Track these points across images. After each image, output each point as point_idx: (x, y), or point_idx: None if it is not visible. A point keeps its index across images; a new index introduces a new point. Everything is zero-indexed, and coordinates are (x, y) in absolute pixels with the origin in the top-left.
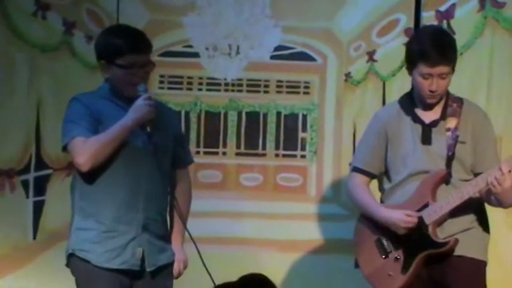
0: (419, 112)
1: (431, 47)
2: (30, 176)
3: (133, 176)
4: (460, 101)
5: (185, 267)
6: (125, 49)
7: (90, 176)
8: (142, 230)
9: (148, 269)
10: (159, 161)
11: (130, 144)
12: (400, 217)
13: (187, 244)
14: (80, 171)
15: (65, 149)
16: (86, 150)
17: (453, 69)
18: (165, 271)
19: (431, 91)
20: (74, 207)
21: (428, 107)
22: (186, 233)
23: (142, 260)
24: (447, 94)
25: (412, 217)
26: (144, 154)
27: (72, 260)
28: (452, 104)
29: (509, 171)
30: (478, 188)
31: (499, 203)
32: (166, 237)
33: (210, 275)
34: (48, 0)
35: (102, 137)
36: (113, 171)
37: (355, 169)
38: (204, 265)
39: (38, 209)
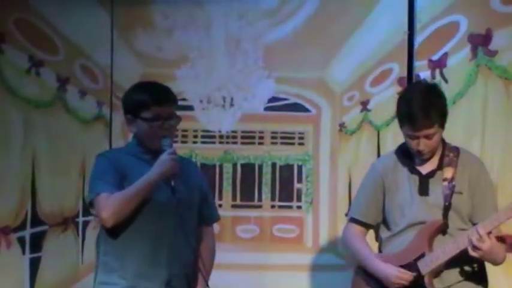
0: (416, 163)
1: (416, 110)
2: (26, 233)
3: (157, 232)
4: (456, 150)
5: None
6: (149, 102)
7: (115, 231)
8: (165, 286)
9: None
10: (183, 216)
11: (154, 199)
12: (395, 273)
13: None
14: (104, 227)
15: (91, 205)
16: (110, 205)
17: (442, 127)
18: None
19: (418, 151)
20: (98, 262)
21: (426, 159)
22: None
23: None
24: (443, 144)
25: (406, 275)
26: (168, 209)
27: None
28: (449, 153)
29: (489, 233)
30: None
31: (488, 262)
32: None
33: None
34: (41, 57)
35: (126, 192)
36: (137, 226)
37: (352, 219)
38: None
39: (34, 265)
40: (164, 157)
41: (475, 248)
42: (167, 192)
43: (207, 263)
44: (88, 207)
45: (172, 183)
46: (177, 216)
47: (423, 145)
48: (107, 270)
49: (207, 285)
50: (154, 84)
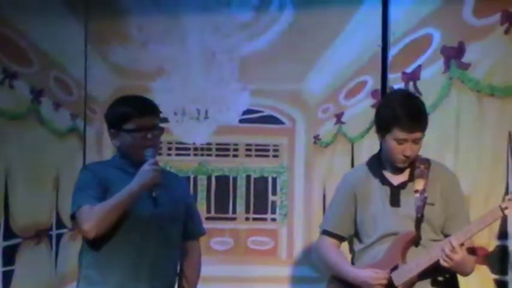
0: (388, 174)
1: (407, 112)
2: None
3: (139, 244)
4: (427, 162)
5: None
6: (131, 114)
7: (97, 243)
8: None
9: None
10: (166, 229)
11: (136, 211)
12: (370, 275)
13: None
14: (87, 240)
15: (73, 217)
16: (91, 217)
17: (424, 133)
18: None
19: (405, 156)
20: (80, 275)
21: (398, 171)
22: None
23: None
24: None
25: (382, 274)
26: (150, 222)
27: None
28: (420, 165)
29: (461, 245)
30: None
31: (457, 273)
32: None
33: None
34: (15, 69)
35: (107, 204)
36: (119, 238)
37: (325, 232)
38: None
39: (7, 278)
40: (145, 167)
41: (447, 258)
42: (149, 204)
43: (191, 279)
44: (70, 219)
45: (154, 194)
46: (160, 229)
47: (410, 150)
48: (88, 283)
49: None
50: (136, 97)
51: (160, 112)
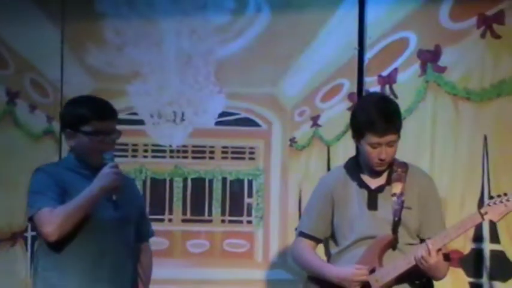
0: (365, 177)
1: (379, 116)
2: None
3: (99, 247)
4: (405, 166)
5: None
6: (90, 116)
7: (56, 246)
8: None
9: None
10: (125, 232)
11: (96, 214)
12: (352, 271)
13: None
14: (46, 242)
15: (30, 219)
16: (53, 220)
17: (399, 136)
18: None
19: (380, 159)
20: (36, 278)
21: (376, 174)
22: None
23: None
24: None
25: (362, 270)
26: (110, 225)
27: None
28: (397, 169)
29: (438, 250)
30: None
31: (430, 276)
32: None
33: None
34: None
35: (69, 207)
36: (78, 242)
37: (301, 234)
38: None
39: None
40: (106, 171)
41: (422, 260)
42: (109, 207)
43: (146, 279)
44: (27, 221)
45: (114, 197)
46: (119, 231)
47: (385, 154)
48: (47, 286)
49: None
50: (95, 99)
51: (135, 114)
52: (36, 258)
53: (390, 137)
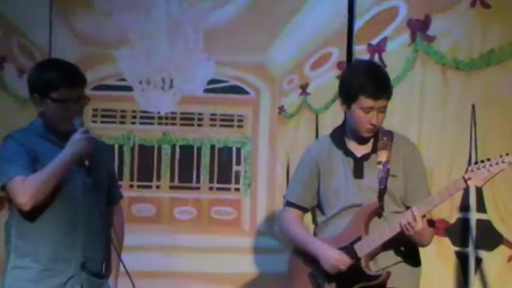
0: (351, 146)
1: (373, 80)
2: None
3: (71, 214)
4: (390, 134)
5: None
6: (59, 83)
7: (29, 215)
8: (81, 268)
9: None
10: (96, 197)
11: (68, 181)
12: (335, 257)
13: (123, 278)
14: (20, 210)
15: (3, 188)
16: (27, 189)
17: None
18: None
19: (372, 124)
20: (10, 246)
21: (363, 141)
22: (121, 268)
23: None
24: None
25: (346, 261)
26: (82, 191)
27: None
28: (382, 137)
29: (423, 217)
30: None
31: (415, 243)
32: (103, 274)
33: None
34: None
35: (42, 175)
36: (51, 209)
37: (288, 203)
38: None
39: None
40: (77, 136)
41: (408, 226)
42: (81, 173)
43: (120, 236)
44: (0, 191)
45: (87, 163)
46: (91, 196)
47: (376, 119)
48: (20, 254)
49: (121, 262)
50: (64, 64)
51: (124, 80)
52: (9, 226)
53: (383, 102)
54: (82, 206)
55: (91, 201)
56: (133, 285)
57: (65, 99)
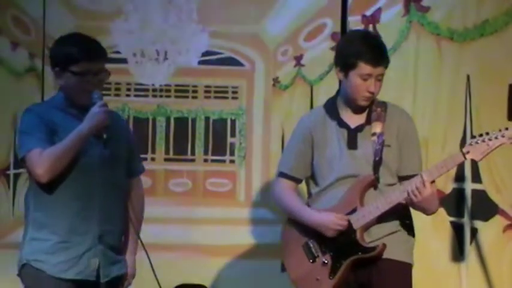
0: (345, 117)
1: (372, 47)
2: None
3: (88, 186)
4: (384, 105)
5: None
6: (79, 56)
7: (48, 186)
8: (98, 241)
9: (102, 280)
10: (114, 170)
11: (85, 154)
12: (331, 219)
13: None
14: (38, 182)
15: (22, 160)
16: (44, 161)
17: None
18: (117, 282)
19: (370, 92)
20: (28, 218)
21: (359, 110)
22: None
23: (98, 271)
24: None
25: (343, 220)
26: (99, 164)
27: (26, 270)
28: (376, 108)
29: (432, 182)
30: (405, 194)
31: (422, 211)
32: (120, 248)
33: (159, 283)
34: None
35: (59, 147)
36: (68, 181)
37: (281, 174)
38: (155, 276)
39: None
40: (95, 110)
41: (416, 192)
42: (98, 146)
43: (137, 215)
44: (19, 162)
45: (104, 136)
46: (109, 170)
47: (374, 86)
48: (37, 226)
49: (138, 237)
50: (85, 38)
51: (118, 52)
52: (27, 199)
53: (381, 69)
54: (99, 178)
55: (108, 174)
56: (150, 261)
57: (84, 72)
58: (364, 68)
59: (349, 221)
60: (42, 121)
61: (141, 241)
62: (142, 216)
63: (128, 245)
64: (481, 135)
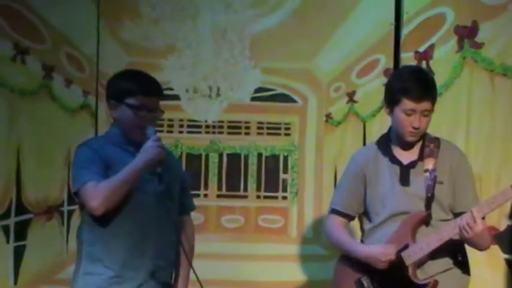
0: (397, 153)
1: (415, 83)
2: (11, 221)
3: (143, 222)
4: (437, 141)
5: None
6: (136, 89)
7: (102, 220)
8: (150, 276)
9: None
10: (168, 206)
11: (140, 189)
12: (380, 250)
13: None
14: (92, 216)
15: (76, 194)
16: (99, 194)
17: (433, 109)
18: None
19: (414, 128)
20: (82, 253)
21: (408, 146)
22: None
23: None
24: (424, 134)
25: (391, 249)
26: (154, 200)
27: None
28: (429, 144)
29: (483, 218)
30: (456, 230)
31: (474, 247)
32: (170, 285)
33: None
34: (27, 45)
35: (115, 180)
36: (123, 216)
37: (333, 211)
38: None
39: (18, 254)
40: (149, 144)
41: (467, 227)
42: (153, 180)
43: (188, 249)
44: (73, 196)
45: (159, 170)
46: (163, 205)
47: (418, 122)
48: (91, 260)
49: (195, 273)
50: (142, 74)
51: (171, 89)
52: (80, 233)
53: (425, 105)
54: (154, 215)
55: (163, 210)
56: None
57: (139, 106)
58: (407, 103)
59: (401, 257)
60: (97, 155)
61: (197, 275)
62: (193, 253)
63: (179, 281)
64: None
